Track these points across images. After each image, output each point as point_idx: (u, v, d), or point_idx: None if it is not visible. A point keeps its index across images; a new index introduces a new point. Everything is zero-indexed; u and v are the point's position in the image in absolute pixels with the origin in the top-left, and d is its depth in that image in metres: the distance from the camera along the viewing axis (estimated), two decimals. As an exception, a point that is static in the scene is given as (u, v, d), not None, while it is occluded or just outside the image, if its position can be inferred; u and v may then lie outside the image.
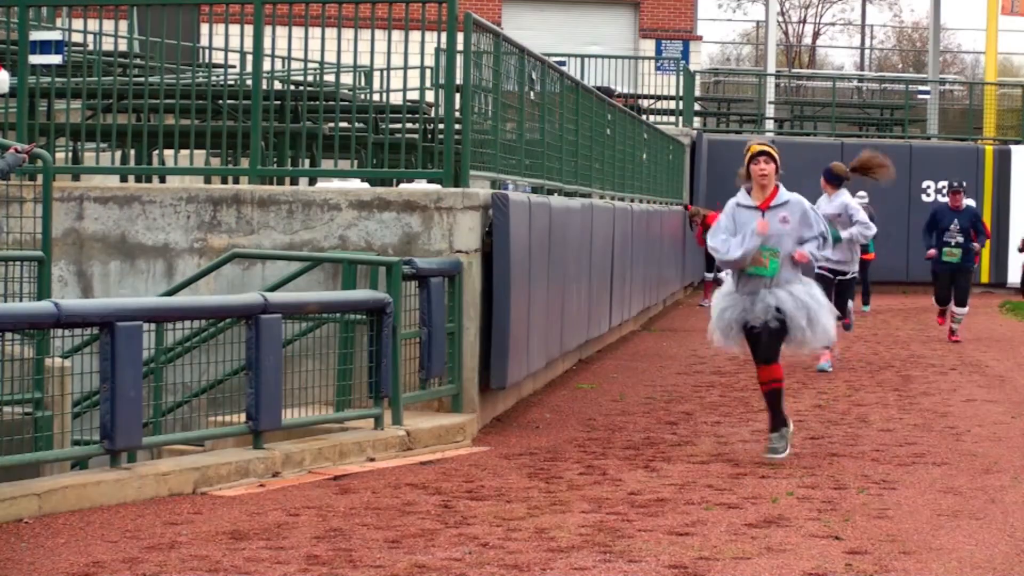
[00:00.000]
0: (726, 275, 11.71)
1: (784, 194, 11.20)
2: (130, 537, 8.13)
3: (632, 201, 22.40)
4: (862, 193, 27.16)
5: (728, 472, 10.50)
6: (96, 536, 8.14)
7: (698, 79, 37.62)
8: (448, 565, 7.57)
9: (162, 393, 10.75)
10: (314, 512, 8.92)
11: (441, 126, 13.55)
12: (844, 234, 16.86)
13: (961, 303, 21.08)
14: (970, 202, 24.86)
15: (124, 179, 14.47)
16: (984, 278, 32.92)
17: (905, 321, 25.46)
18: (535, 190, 15.03)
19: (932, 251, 20.82)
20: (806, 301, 11.04)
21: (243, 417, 10.30)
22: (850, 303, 18.01)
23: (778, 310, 10.95)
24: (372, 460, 10.82)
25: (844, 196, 17.24)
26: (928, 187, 33.82)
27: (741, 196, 11.23)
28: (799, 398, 14.77)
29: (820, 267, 16.61)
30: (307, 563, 7.58)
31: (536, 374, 14.64)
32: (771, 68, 38.95)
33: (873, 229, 17.35)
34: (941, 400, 14.80)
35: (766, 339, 11.03)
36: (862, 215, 17.21)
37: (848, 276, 17.44)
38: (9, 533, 8.14)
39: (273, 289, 12.04)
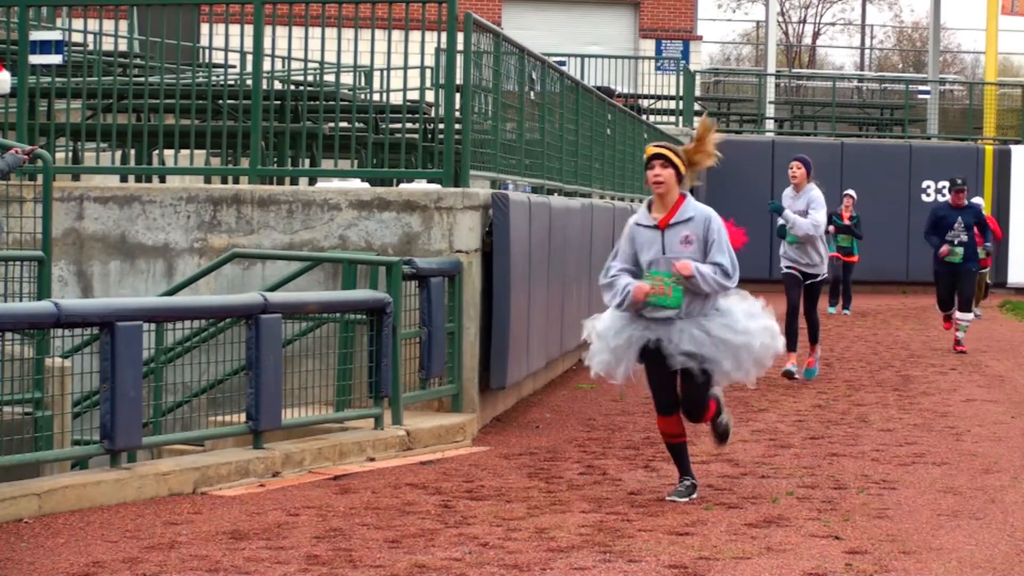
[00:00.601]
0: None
1: (690, 208, 9.27)
2: (130, 537, 8.13)
3: (632, 201, 22.40)
4: (850, 191, 26.99)
5: (728, 472, 10.50)
6: (96, 536, 8.14)
7: (698, 79, 37.61)
8: (448, 565, 7.57)
9: (162, 393, 10.75)
10: (314, 512, 8.92)
11: (441, 126, 13.56)
12: (787, 214, 15.85)
13: (965, 307, 19.60)
14: (977, 200, 24.67)
15: (124, 179, 14.47)
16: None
17: (905, 321, 25.47)
18: (535, 190, 15.03)
19: (945, 247, 19.31)
20: (728, 339, 9.26)
21: (243, 417, 10.30)
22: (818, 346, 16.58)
23: (692, 355, 9.20)
24: (372, 460, 10.82)
25: (814, 190, 16.11)
26: (928, 187, 33.83)
27: (640, 214, 9.40)
28: (799, 398, 14.78)
29: (790, 266, 16.10)
30: (307, 563, 7.58)
31: (536, 374, 14.64)
32: (771, 68, 38.95)
33: (822, 229, 16.03)
34: (941, 400, 14.80)
35: (687, 391, 9.36)
36: (820, 215, 15.92)
37: (819, 279, 16.17)
38: (9, 533, 8.14)
39: (273, 289, 12.04)
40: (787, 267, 16.18)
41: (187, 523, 8.53)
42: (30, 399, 10.34)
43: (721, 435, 9.97)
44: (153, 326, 10.19)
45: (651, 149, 9.36)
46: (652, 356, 9.31)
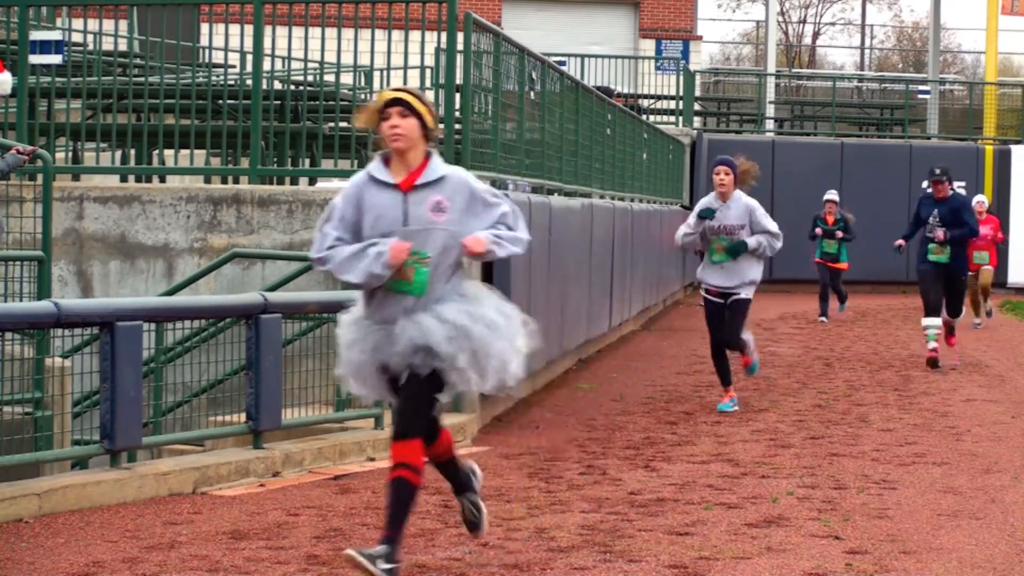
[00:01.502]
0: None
1: (438, 167, 7.27)
2: (130, 537, 8.13)
3: (632, 201, 22.40)
4: (832, 193, 26.31)
5: (728, 472, 10.50)
6: (96, 536, 8.14)
7: (698, 79, 37.62)
8: (448, 565, 7.56)
9: (162, 393, 10.75)
10: (314, 512, 8.92)
11: (441, 126, 13.55)
12: (751, 242, 13.46)
13: (954, 313, 17.75)
14: (979, 197, 24.48)
15: (124, 179, 14.48)
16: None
17: (905, 321, 25.46)
18: (535, 190, 15.03)
19: (900, 241, 17.64)
20: (465, 326, 7.20)
21: (243, 417, 10.30)
22: (748, 336, 13.95)
23: (419, 349, 7.16)
24: (372, 460, 10.82)
25: (744, 198, 13.58)
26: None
27: (375, 166, 7.26)
28: (799, 398, 14.77)
29: (707, 292, 13.76)
30: (307, 563, 7.58)
31: (536, 374, 14.63)
32: (771, 68, 38.95)
33: (780, 242, 13.62)
34: (941, 400, 14.80)
35: (406, 399, 7.22)
36: (772, 223, 13.58)
37: (741, 296, 13.61)
38: (9, 533, 8.14)
39: (273, 289, 12.04)
40: (707, 294, 13.76)
41: (187, 523, 8.53)
42: (30, 399, 10.35)
43: (470, 521, 7.82)
44: (153, 326, 10.19)
45: (387, 93, 7.25)
46: (393, 380, 7.34)
